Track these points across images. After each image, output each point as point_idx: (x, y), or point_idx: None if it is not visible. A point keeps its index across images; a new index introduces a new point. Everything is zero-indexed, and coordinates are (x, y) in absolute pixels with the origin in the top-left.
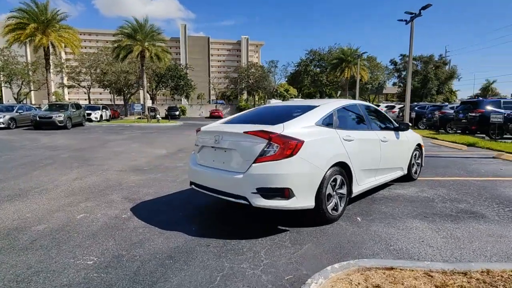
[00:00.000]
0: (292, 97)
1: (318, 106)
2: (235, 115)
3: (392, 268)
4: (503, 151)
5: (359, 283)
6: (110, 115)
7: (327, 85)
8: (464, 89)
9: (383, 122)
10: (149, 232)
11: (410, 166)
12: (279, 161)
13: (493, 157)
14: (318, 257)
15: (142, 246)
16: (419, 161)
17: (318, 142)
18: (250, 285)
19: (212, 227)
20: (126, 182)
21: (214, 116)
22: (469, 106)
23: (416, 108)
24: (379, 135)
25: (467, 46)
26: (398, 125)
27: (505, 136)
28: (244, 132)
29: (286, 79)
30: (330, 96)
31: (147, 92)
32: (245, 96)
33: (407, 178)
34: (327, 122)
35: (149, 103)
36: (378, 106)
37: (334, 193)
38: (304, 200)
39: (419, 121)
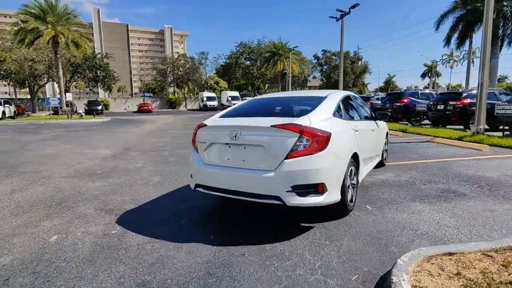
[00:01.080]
0: (222, 90)
1: (326, 96)
2: (230, 108)
3: (452, 253)
4: (431, 135)
5: (439, 273)
6: (15, 112)
7: (258, 77)
8: (374, 82)
9: (367, 112)
10: (162, 248)
11: (383, 153)
12: (313, 156)
13: (427, 141)
14: (365, 251)
15: (165, 266)
16: (386, 147)
17: (341, 134)
18: None
19: (228, 233)
20: (86, 190)
21: (143, 110)
22: (394, 97)
23: None
24: (370, 125)
25: (374, 43)
26: (376, 115)
27: (423, 122)
28: (272, 126)
29: (215, 72)
30: (258, 89)
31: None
32: (172, 89)
33: (379, 164)
34: (338, 113)
35: (68, 96)
36: None
37: (350, 184)
38: (333, 194)
39: None
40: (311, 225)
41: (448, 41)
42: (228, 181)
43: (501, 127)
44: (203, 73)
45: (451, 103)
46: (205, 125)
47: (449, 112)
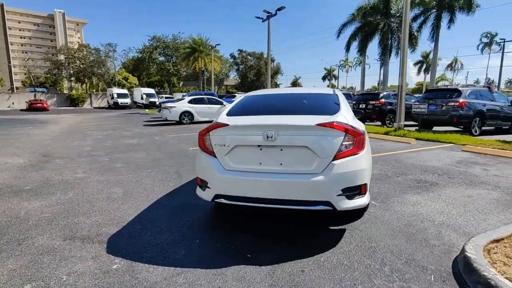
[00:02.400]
0: (132, 86)
1: (336, 94)
2: (232, 106)
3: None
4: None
5: None
6: None
7: (174, 74)
8: (285, 82)
9: None
10: (201, 279)
11: None
12: (357, 155)
13: None
14: (414, 249)
15: None
16: None
17: (365, 133)
18: None
19: (263, 247)
20: (27, 214)
21: (36, 108)
22: (369, 97)
23: None
24: None
25: (285, 46)
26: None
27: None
28: (318, 125)
29: (122, 67)
30: (173, 86)
31: None
32: (68, 83)
33: None
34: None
35: None
36: (234, 96)
37: None
38: (368, 194)
39: None
40: (341, 227)
41: (348, 48)
42: (263, 188)
43: (413, 122)
44: (111, 67)
45: (371, 102)
46: (226, 125)
47: (370, 110)
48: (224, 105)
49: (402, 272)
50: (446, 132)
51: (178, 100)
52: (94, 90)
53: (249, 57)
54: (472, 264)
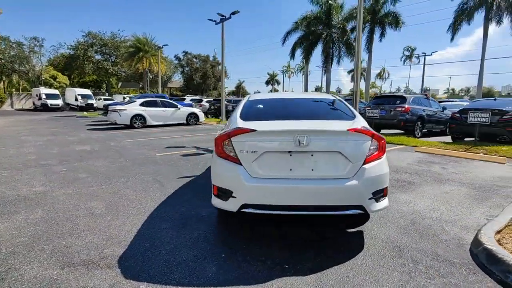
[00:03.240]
0: (62, 86)
1: (340, 99)
2: (241, 109)
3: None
4: None
5: None
6: None
7: (113, 74)
8: (231, 86)
9: None
10: None
11: None
12: (381, 159)
13: None
14: (431, 245)
15: None
16: None
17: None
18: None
19: (295, 256)
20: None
21: None
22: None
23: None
24: None
25: (231, 50)
26: None
27: None
28: (349, 130)
29: (50, 64)
30: (111, 87)
31: None
32: None
33: None
34: None
35: None
36: (184, 99)
37: None
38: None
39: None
40: (358, 229)
41: (293, 55)
42: (295, 196)
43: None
44: (37, 64)
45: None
46: (253, 130)
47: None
48: (179, 108)
49: (436, 268)
50: (387, 135)
51: (128, 102)
52: (14, 90)
53: (194, 59)
54: (496, 256)
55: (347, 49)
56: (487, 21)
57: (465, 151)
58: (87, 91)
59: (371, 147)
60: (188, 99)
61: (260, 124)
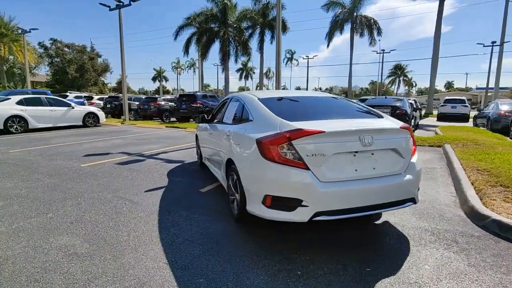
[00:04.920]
0: None
1: (346, 98)
2: (261, 109)
3: None
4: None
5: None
6: None
7: None
8: (113, 82)
9: None
10: None
11: None
12: (416, 153)
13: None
14: (447, 222)
15: None
16: None
17: None
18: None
19: (348, 258)
20: None
21: None
22: (187, 99)
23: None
24: None
25: (113, 42)
26: None
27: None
28: (401, 127)
29: None
30: None
31: None
32: None
33: None
34: None
35: None
36: (66, 96)
37: None
38: None
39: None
40: (383, 220)
41: (186, 51)
42: (363, 196)
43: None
44: None
45: (151, 104)
46: (321, 131)
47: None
48: (73, 107)
49: (470, 243)
50: None
51: None
52: None
53: (66, 49)
54: (509, 224)
55: (244, 48)
56: (352, 32)
57: None
58: None
59: (411, 142)
60: (71, 95)
61: (312, 124)
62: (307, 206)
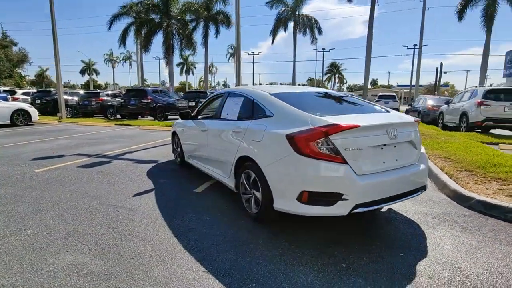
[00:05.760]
0: None
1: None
2: (285, 105)
3: None
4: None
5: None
6: None
7: None
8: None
9: None
10: None
11: None
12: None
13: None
14: (441, 206)
15: None
16: None
17: None
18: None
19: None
20: None
21: None
22: (137, 94)
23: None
24: None
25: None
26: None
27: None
28: (414, 121)
29: None
30: None
31: None
32: None
33: None
34: None
35: None
36: None
37: None
38: None
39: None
40: (387, 208)
41: (123, 42)
42: (390, 187)
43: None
44: None
45: (93, 99)
46: (356, 126)
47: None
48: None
49: (467, 222)
50: None
51: None
52: None
53: None
54: (492, 203)
55: (188, 42)
56: (295, 30)
57: None
58: None
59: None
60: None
61: (342, 118)
62: (347, 200)
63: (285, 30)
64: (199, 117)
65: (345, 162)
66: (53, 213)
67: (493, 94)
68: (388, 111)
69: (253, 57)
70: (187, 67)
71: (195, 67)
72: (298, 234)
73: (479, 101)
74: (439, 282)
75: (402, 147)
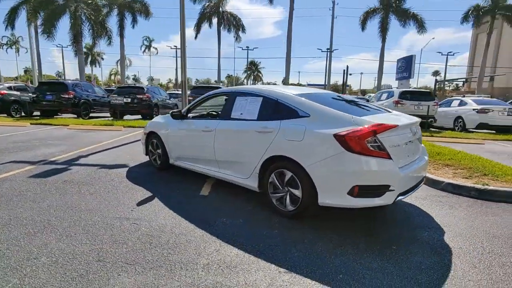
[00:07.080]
0: None
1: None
2: (321, 107)
3: None
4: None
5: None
6: None
7: None
8: None
9: None
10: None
11: None
12: None
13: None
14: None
15: None
16: None
17: None
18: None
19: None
20: None
21: None
22: (54, 87)
23: None
24: None
25: None
26: None
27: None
28: (417, 121)
29: None
30: None
31: None
32: None
33: None
34: None
35: None
36: None
37: None
38: None
39: None
40: None
41: (11, 23)
42: (415, 177)
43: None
44: None
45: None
46: (395, 126)
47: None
48: None
49: (450, 201)
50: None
51: None
52: None
53: None
54: (459, 184)
55: (102, 29)
56: (219, 26)
57: None
58: None
59: None
60: None
61: (376, 119)
62: (394, 190)
63: (210, 26)
64: (192, 116)
65: (390, 157)
66: (55, 235)
67: (407, 95)
68: (389, 111)
69: (176, 51)
70: (92, 57)
71: (102, 58)
72: (339, 227)
73: (396, 100)
74: (466, 250)
75: (416, 143)
